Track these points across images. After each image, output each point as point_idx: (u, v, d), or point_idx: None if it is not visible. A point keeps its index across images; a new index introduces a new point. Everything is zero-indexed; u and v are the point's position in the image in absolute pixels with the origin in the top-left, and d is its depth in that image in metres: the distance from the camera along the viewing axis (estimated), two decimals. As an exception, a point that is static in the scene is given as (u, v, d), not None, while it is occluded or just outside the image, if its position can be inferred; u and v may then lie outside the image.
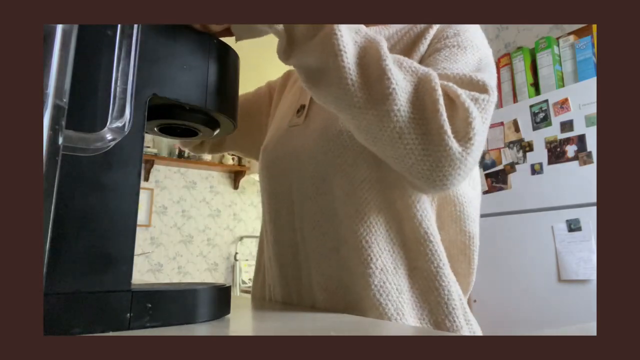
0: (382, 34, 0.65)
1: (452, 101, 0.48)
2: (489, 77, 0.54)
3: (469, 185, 0.62)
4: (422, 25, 0.63)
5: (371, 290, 0.53)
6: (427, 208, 0.57)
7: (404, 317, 0.53)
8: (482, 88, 0.51)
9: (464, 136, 0.47)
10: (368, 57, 0.47)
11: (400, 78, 0.47)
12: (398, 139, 0.47)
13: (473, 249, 0.61)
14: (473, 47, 0.58)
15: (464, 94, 0.48)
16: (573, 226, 1.79)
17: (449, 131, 0.47)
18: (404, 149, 0.48)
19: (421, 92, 0.48)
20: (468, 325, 0.56)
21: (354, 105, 0.47)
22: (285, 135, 0.68)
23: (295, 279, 0.62)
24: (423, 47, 0.60)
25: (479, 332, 0.58)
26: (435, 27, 0.61)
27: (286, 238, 0.64)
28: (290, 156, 0.64)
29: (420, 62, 0.59)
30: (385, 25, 0.66)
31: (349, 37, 0.47)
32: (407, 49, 0.62)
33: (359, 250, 0.55)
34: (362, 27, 0.50)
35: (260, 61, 2.84)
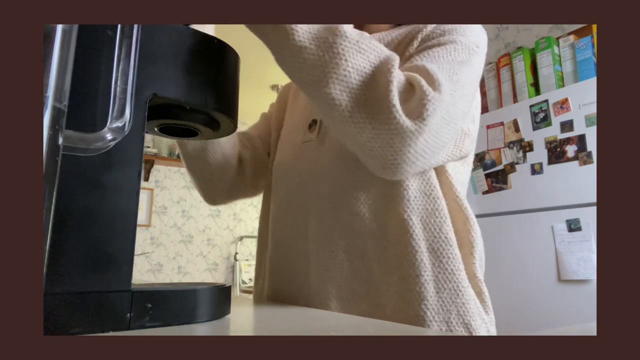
0: (385, 40, 0.65)
1: (411, 86, 0.48)
2: (456, 72, 0.53)
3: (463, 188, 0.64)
4: (421, 25, 0.63)
5: (392, 299, 0.55)
6: (445, 215, 0.58)
7: (426, 323, 0.54)
8: (434, 82, 0.49)
9: (418, 115, 0.47)
10: (321, 36, 0.48)
11: (358, 58, 0.47)
12: (349, 117, 0.47)
13: (474, 235, 0.61)
14: (455, 43, 0.57)
15: (423, 82, 0.48)
16: (573, 226, 1.79)
17: (400, 109, 0.46)
18: (354, 127, 0.48)
19: (377, 73, 0.48)
20: (484, 323, 0.58)
21: (307, 82, 0.48)
22: (299, 151, 0.68)
23: (305, 287, 0.63)
24: (413, 46, 0.61)
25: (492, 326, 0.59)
26: (430, 26, 0.62)
27: (299, 247, 0.64)
28: (307, 173, 0.65)
29: (413, 54, 0.59)
30: (389, 30, 0.67)
31: (306, 26, 0.48)
32: (402, 48, 0.62)
33: (384, 262, 0.56)
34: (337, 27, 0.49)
35: (260, 61, 2.84)
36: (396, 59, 0.49)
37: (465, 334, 0.54)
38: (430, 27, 0.62)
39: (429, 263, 0.56)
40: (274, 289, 0.69)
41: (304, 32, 0.47)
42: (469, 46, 0.58)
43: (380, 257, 0.57)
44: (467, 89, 0.53)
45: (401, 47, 0.63)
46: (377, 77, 0.48)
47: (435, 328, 0.54)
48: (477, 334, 0.55)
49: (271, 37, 0.48)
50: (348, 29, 0.49)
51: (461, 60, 0.56)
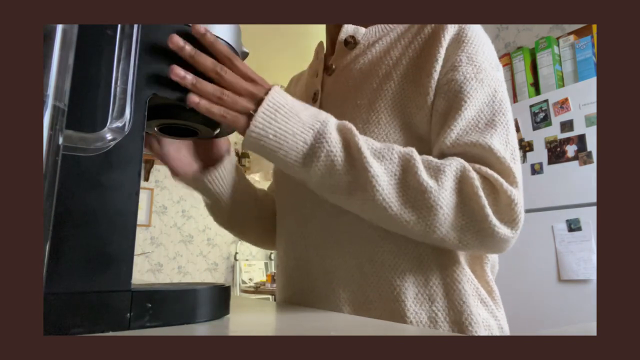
0: (389, 36, 0.62)
1: (492, 187, 0.50)
2: (510, 138, 0.54)
3: None
4: (430, 30, 0.59)
5: (403, 303, 0.54)
6: None
7: (437, 324, 0.54)
8: (509, 176, 0.51)
9: (512, 221, 0.50)
10: (406, 177, 0.49)
11: (435, 187, 0.48)
12: (440, 241, 0.51)
13: None
14: (492, 86, 0.56)
15: (504, 182, 0.50)
16: (573, 226, 1.79)
17: (495, 220, 0.49)
18: (458, 243, 0.51)
19: (464, 199, 0.49)
20: (497, 320, 0.58)
21: (398, 223, 0.50)
22: None
23: (313, 294, 0.62)
24: (438, 65, 0.56)
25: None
26: (446, 41, 0.56)
27: (300, 255, 0.63)
28: None
29: (437, 88, 0.55)
30: (390, 25, 0.64)
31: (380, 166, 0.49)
32: (420, 59, 0.58)
33: (388, 267, 0.55)
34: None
35: (260, 61, 2.84)
36: (467, 167, 0.50)
37: (476, 335, 0.54)
38: (448, 40, 0.57)
39: (436, 267, 0.56)
40: (282, 298, 0.68)
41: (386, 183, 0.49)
42: (499, 81, 0.57)
43: (390, 261, 0.56)
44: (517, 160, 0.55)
45: (413, 50, 0.59)
46: (465, 200, 0.49)
47: (446, 329, 0.54)
48: (488, 334, 0.55)
49: (348, 181, 0.49)
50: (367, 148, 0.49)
51: (503, 110, 0.55)
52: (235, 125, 0.47)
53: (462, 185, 0.49)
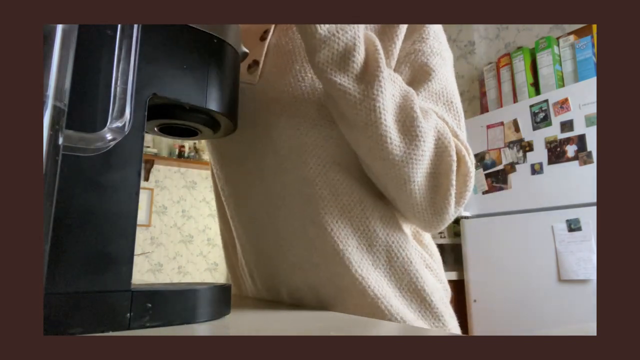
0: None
1: (459, 158, 0.52)
2: (460, 118, 0.58)
3: None
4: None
5: (351, 267, 0.53)
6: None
7: (384, 287, 0.54)
8: (469, 153, 0.54)
9: (461, 196, 0.52)
10: (399, 102, 0.49)
11: (427, 129, 0.49)
12: (404, 183, 0.50)
13: None
14: (450, 61, 0.60)
15: (467, 155, 0.53)
16: (573, 226, 1.79)
17: (454, 193, 0.51)
18: (408, 196, 0.51)
19: (439, 148, 0.51)
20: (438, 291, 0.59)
21: (388, 153, 0.49)
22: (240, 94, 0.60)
23: (267, 265, 0.61)
24: (401, 34, 0.57)
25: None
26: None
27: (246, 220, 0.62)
28: (248, 126, 0.58)
29: (400, 56, 0.57)
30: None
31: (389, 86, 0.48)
32: (383, 27, 0.58)
33: (332, 232, 0.54)
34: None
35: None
36: (448, 131, 0.52)
37: (425, 298, 0.56)
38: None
39: (382, 233, 0.55)
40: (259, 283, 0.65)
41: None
42: (451, 62, 0.60)
43: (335, 225, 0.54)
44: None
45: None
46: (440, 153, 0.51)
47: (391, 293, 0.54)
48: (433, 301, 0.56)
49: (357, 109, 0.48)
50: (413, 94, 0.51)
51: (457, 94, 0.59)
52: None
53: (440, 135, 0.51)
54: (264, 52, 0.60)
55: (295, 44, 0.57)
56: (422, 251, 0.59)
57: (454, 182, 0.51)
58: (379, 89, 0.46)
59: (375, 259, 0.55)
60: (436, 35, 0.58)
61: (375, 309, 0.53)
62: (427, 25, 0.58)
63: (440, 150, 0.51)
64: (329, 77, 0.46)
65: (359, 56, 0.46)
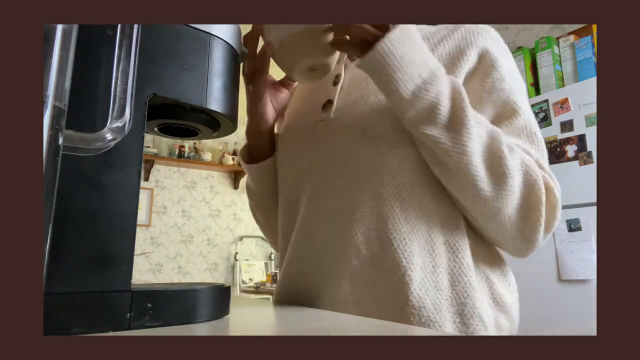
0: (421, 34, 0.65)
1: (547, 189, 0.57)
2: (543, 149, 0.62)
3: None
4: (462, 32, 0.64)
5: (410, 287, 0.54)
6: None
7: (441, 312, 0.55)
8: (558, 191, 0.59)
9: (551, 224, 0.57)
10: (489, 146, 0.53)
11: (514, 166, 0.54)
12: (494, 216, 0.55)
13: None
14: (525, 96, 0.64)
15: (555, 186, 0.57)
16: (573, 226, 1.79)
17: (543, 222, 0.56)
18: (498, 226, 0.56)
19: (528, 182, 0.55)
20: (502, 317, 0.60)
21: (480, 194, 0.53)
22: (312, 130, 0.66)
23: (316, 267, 0.61)
24: (468, 60, 0.61)
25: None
26: (477, 47, 0.62)
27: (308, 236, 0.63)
28: (322, 151, 0.64)
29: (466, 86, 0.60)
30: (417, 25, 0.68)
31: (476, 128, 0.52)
32: (450, 58, 0.62)
33: (398, 249, 0.56)
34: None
35: (260, 61, 2.83)
36: (537, 168, 0.57)
37: (481, 327, 0.55)
38: (479, 47, 0.62)
39: (444, 255, 0.57)
40: (284, 278, 0.66)
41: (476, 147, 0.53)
42: (525, 93, 0.65)
43: (402, 242, 0.56)
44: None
45: (445, 50, 0.63)
46: (529, 189, 0.55)
47: (448, 318, 0.54)
48: (490, 327, 0.56)
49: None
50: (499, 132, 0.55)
51: (535, 124, 0.62)
52: (364, 36, 0.50)
53: (528, 169, 0.55)
54: (337, 93, 0.66)
55: (367, 82, 0.62)
56: (491, 283, 0.60)
57: (543, 213, 0.55)
58: (467, 134, 0.51)
59: (438, 280, 0.56)
60: (511, 71, 0.63)
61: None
62: (499, 63, 0.62)
63: (529, 184, 0.55)
64: (420, 130, 0.52)
65: (444, 108, 0.52)
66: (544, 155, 0.61)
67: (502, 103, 0.60)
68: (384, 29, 0.51)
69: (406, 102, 0.51)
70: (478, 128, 0.52)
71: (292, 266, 0.65)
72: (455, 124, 0.51)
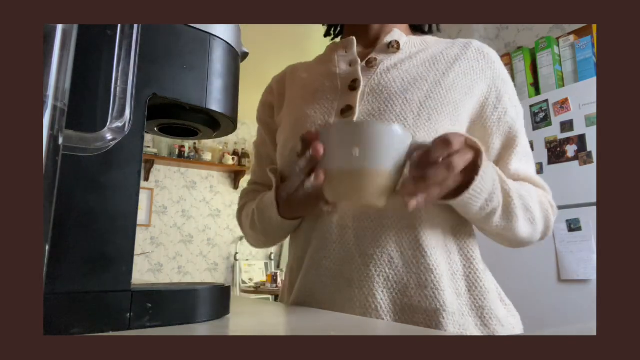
0: (429, 51, 0.69)
1: (553, 207, 0.67)
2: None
3: None
4: (473, 53, 0.69)
5: (442, 292, 0.58)
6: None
7: (464, 316, 0.58)
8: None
9: (546, 234, 0.67)
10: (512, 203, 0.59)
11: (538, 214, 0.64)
12: (517, 244, 0.66)
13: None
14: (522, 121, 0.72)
15: (549, 193, 0.69)
16: (573, 226, 1.79)
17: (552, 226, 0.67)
18: (510, 245, 0.67)
19: (547, 221, 0.66)
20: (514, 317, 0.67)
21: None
22: None
23: (346, 273, 0.61)
24: (483, 89, 0.68)
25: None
26: (486, 78, 0.68)
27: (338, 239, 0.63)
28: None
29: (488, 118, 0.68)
30: (425, 42, 0.72)
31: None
32: (467, 78, 0.67)
33: (431, 257, 0.59)
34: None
35: (260, 60, 2.84)
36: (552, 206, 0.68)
37: (499, 327, 0.59)
38: (488, 77, 0.68)
39: (460, 262, 0.61)
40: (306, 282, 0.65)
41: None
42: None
43: (433, 250, 0.59)
44: None
45: (445, 63, 0.68)
46: (548, 223, 0.66)
47: (471, 322, 0.58)
48: (507, 326, 0.60)
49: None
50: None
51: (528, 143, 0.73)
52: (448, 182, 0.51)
53: (546, 212, 0.66)
54: (358, 99, 0.67)
55: (391, 91, 0.66)
56: (497, 285, 0.66)
57: (550, 233, 0.68)
58: (514, 217, 0.59)
59: (457, 287, 0.60)
60: (512, 99, 0.70)
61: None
62: (504, 93, 0.69)
63: (547, 222, 0.66)
64: (483, 226, 0.61)
65: (499, 210, 0.59)
66: (533, 165, 0.71)
67: (507, 134, 0.68)
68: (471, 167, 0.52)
69: (477, 211, 0.56)
70: (519, 201, 0.60)
71: (314, 271, 0.64)
72: (508, 212, 0.59)
